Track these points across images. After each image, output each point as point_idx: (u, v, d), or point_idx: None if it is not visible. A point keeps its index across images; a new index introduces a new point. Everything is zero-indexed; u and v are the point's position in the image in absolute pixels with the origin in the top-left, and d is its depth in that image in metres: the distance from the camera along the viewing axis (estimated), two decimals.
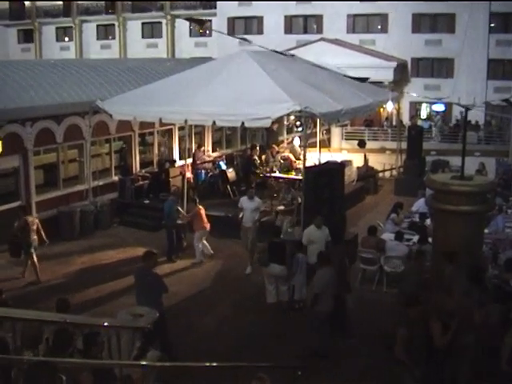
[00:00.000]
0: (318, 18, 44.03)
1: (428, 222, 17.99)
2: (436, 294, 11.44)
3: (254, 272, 16.85)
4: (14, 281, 16.39)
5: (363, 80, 17.83)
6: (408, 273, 13.65)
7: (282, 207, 18.73)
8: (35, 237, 16.65)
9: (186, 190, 20.55)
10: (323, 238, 15.00)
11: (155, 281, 11.98)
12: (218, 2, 46.38)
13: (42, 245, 17.08)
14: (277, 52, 15.56)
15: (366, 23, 43.33)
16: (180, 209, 19.06)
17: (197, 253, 18.07)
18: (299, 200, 18.00)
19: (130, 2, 51.81)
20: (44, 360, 7.00)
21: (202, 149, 25.47)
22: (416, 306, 9.66)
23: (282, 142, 28.09)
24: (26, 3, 56.22)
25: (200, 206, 18.22)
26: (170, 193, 20.92)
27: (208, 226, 18.17)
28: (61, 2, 54.61)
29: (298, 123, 24.87)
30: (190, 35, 50.16)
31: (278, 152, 25.39)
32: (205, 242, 18.24)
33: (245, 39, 15.23)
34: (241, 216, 17.71)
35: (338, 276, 12.62)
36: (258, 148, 24.10)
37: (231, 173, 23.78)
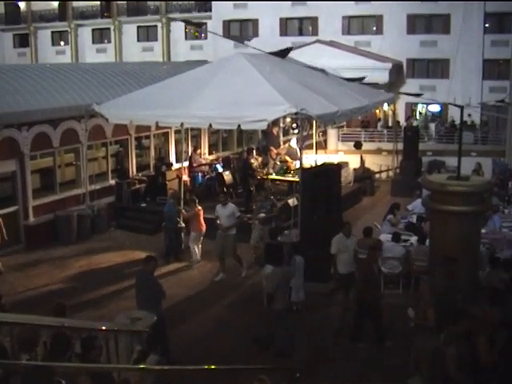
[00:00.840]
0: (313, 20, 44.12)
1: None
2: (477, 306, 11.03)
3: (251, 273, 16.85)
4: (12, 285, 16.37)
5: (360, 79, 17.82)
6: (440, 286, 12.30)
7: (262, 215, 18.09)
8: None
9: (182, 193, 20.53)
10: (352, 247, 14.68)
11: (154, 286, 11.99)
12: (213, 5, 46.42)
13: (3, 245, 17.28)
14: (274, 53, 15.50)
15: (361, 25, 43.44)
16: (182, 210, 19.10)
17: (193, 253, 18.10)
18: (278, 206, 17.77)
19: (125, 6, 51.83)
20: (42, 364, 7.01)
21: (198, 151, 25.48)
22: (462, 322, 9.49)
23: (281, 144, 28.08)
24: (22, 8, 56.21)
25: (199, 207, 18.24)
26: (168, 196, 20.90)
27: (204, 228, 18.17)
28: (56, 7, 54.61)
29: (294, 125, 24.91)
30: (186, 38, 50.24)
31: (277, 154, 25.40)
32: (199, 245, 18.25)
33: (242, 41, 15.21)
34: (218, 223, 17.49)
35: (365, 282, 12.68)
36: (254, 151, 24.08)
37: (228, 175, 23.79)
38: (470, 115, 35.90)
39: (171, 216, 18.44)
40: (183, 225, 18.77)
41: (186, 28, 49.15)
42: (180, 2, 50.13)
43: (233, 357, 12.05)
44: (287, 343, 12.56)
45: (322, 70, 21.03)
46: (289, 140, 27.76)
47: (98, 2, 53.27)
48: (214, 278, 16.94)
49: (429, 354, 9.62)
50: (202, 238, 18.29)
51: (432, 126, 38.26)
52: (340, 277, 14.59)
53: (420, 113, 42.57)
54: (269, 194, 20.18)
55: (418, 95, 17.68)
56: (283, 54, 15.89)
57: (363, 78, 17.94)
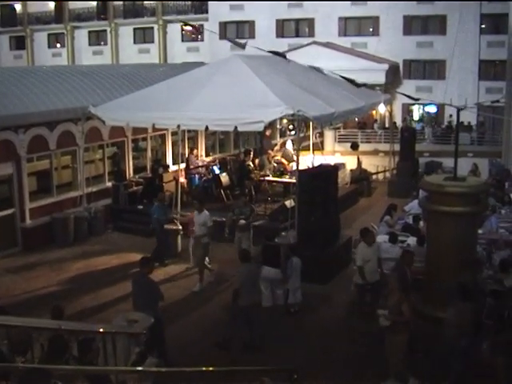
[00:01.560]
0: (310, 22, 44.21)
1: (421, 223, 18.05)
2: None
3: None
4: (9, 288, 16.35)
5: (363, 85, 17.72)
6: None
7: (242, 221, 17.50)
8: None
9: (179, 195, 20.53)
10: (376, 255, 14.23)
11: (151, 287, 11.99)
12: (209, 7, 46.46)
13: None
14: (273, 52, 15.47)
15: (358, 26, 43.55)
16: (177, 215, 19.08)
17: (191, 258, 18.07)
18: (256, 212, 17.48)
19: (121, 8, 51.84)
20: (39, 367, 7.00)
21: (195, 152, 25.48)
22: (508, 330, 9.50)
23: (275, 145, 28.13)
24: (18, 10, 56.20)
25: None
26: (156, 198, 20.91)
27: None
28: (52, 9, 54.62)
29: (290, 127, 24.96)
30: (182, 40, 50.31)
31: (273, 157, 25.44)
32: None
33: (238, 44, 15.16)
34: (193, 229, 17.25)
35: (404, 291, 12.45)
36: (251, 153, 24.06)
37: (225, 177, 23.77)
38: (451, 116, 36.12)
39: (157, 218, 18.43)
40: (180, 227, 18.72)
41: (182, 30, 49.20)
42: (176, 3, 50.16)
43: (230, 358, 12.03)
44: (254, 336, 12.84)
45: (319, 69, 20.99)
46: (285, 142, 27.78)
47: (95, 4, 53.29)
48: (193, 289, 16.45)
49: (400, 350, 9.87)
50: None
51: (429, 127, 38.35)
52: (362, 287, 14.04)
53: (422, 116, 42.65)
54: (247, 201, 20.02)
55: (415, 99, 17.65)
56: (277, 54, 15.92)
57: (364, 85, 17.82)
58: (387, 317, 10.80)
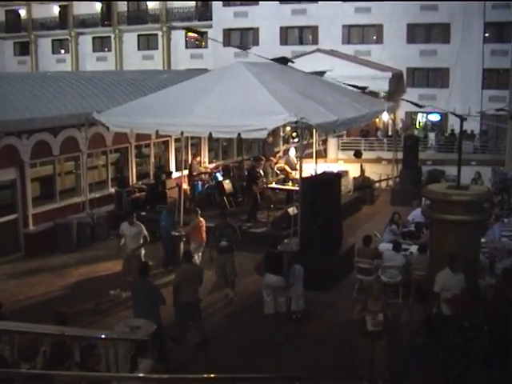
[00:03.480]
0: (314, 29, 44.28)
1: (425, 231, 18.06)
2: None
3: (249, 283, 16.83)
4: (12, 293, 16.35)
5: (363, 88, 17.77)
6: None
7: (224, 243, 16.42)
8: None
9: (182, 202, 20.53)
10: (460, 285, 12.41)
11: (153, 292, 12.00)
12: (213, 14, 46.54)
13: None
14: (278, 60, 15.48)
15: (362, 34, 43.59)
16: (181, 225, 19.09)
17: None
18: (238, 235, 16.74)
19: (125, 15, 51.98)
20: (41, 373, 7.00)
21: (198, 159, 25.49)
22: None
23: (277, 153, 28.14)
24: (22, 15, 56.37)
25: (201, 219, 18.07)
26: (165, 205, 20.88)
27: (205, 239, 18.07)
28: (57, 15, 54.78)
29: (294, 134, 24.91)
30: (186, 47, 50.42)
31: (276, 164, 25.43)
32: (200, 255, 18.20)
33: (245, 49, 15.13)
34: (122, 243, 16.69)
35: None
36: (262, 160, 23.82)
37: (228, 184, 23.76)
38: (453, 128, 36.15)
39: (166, 226, 18.44)
40: (183, 233, 18.71)
41: (186, 36, 49.31)
42: (181, 10, 50.27)
43: (233, 365, 12.02)
44: (201, 332, 13.29)
45: (322, 73, 20.98)
46: (288, 149, 27.79)
47: (99, 11, 53.43)
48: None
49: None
50: (202, 248, 18.19)
51: (432, 135, 38.33)
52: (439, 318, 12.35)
53: (419, 122, 42.70)
54: (269, 204, 19.95)
55: (419, 106, 17.69)
56: (283, 62, 15.95)
57: (365, 88, 17.87)
58: (379, 323, 10.84)
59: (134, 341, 9.37)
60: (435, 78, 42.08)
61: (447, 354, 10.47)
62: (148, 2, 51.53)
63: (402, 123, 39.92)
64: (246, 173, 24.09)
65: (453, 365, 10.46)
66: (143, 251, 16.56)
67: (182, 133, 19.36)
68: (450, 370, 10.50)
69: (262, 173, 22.96)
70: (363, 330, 10.95)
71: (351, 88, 23.17)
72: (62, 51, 55.95)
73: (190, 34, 45.94)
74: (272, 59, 16.67)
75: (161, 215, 18.99)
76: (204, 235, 17.96)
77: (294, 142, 26.84)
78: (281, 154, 27.77)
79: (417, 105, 17.43)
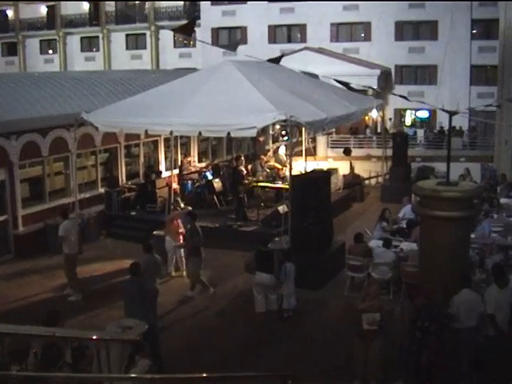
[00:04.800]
0: (302, 27, 44.28)
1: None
2: None
3: (241, 282, 16.84)
4: (1, 295, 16.30)
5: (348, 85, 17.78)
6: None
7: (181, 241, 17.04)
8: None
9: (172, 201, 20.51)
10: (509, 300, 11.63)
11: (144, 292, 11.99)
12: (201, 13, 46.47)
13: None
14: (269, 61, 15.47)
15: (350, 32, 43.64)
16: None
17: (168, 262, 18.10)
18: (201, 235, 16.71)
19: (113, 14, 51.83)
20: (33, 375, 6.98)
21: (188, 159, 25.49)
22: None
23: (268, 151, 28.16)
24: (10, 16, 56.13)
25: (175, 216, 17.99)
26: (155, 205, 20.79)
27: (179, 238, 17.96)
28: (44, 15, 54.58)
29: (283, 132, 24.96)
30: (175, 46, 50.28)
31: (266, 162, 25.47)
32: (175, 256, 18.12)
33: (232, 49, 15.15)
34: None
35: None
36: (242, 158, 24.05)
37: (218, 183, 23.79)
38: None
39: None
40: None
41: (174, 36, 49.21)
42: (169, 10, 50.19)
43: (225, 364, 12.03)
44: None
45: (314, 75, 20.99)
46: (278, 147, 27.82)
47: (87, 11, 53.26)
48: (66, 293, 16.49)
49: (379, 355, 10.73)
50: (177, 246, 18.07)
51: (420, 131, 38.44)
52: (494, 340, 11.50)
53: (413, 119, 42.84)
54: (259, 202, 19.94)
55: (408, 99, 17.71)
56: (276, 61, 15.97)
57: (348, 84, 17.83)
58: (375, 322, 10.88)
59: (125, 341, 9.36)
60: (423, 74, 42.20)
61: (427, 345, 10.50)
62: (136, 2, 51.42)
63: (391, 122, 40.06)
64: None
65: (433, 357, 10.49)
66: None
67: (171, 132, 19.33)
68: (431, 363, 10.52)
69: (245, 171, 23.02)
70: (359, 329, 10.99)
71: (340, 86, 23.19)
72: (50, 51, 55.74)
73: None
74: (269, 60, 16.62)
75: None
76: (177, 236, 17.88)
77: (283, 140, 26.89)
78: (270, 152, 27.80)
79: (406, 98, 17.46)
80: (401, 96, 17.45)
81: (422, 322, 10.38)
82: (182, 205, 18.78)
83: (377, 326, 10.89)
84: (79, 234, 16.94)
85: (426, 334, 10.36)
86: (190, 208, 20.12)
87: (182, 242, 17.69)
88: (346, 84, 16.12)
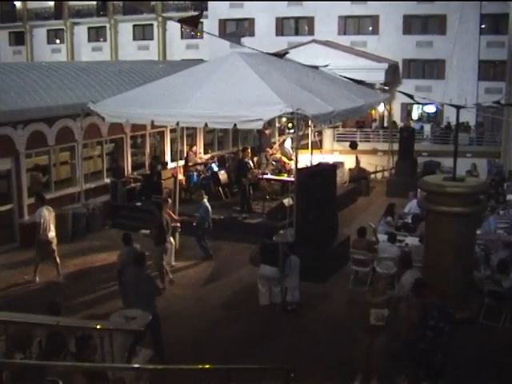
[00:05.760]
0: (310, 20, 44.13)
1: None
2: None
3: (245, 274, 16.85)
4: (7, 284, 16.34)
5: (360, 82, 17.68)
6: None
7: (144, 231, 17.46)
8: None
9: (178, 192, 20.51)
10: None
11: (148, 282, 12.00)
12: (209, 4, 46.37)
13: None
14: (274, 54, 15.42)
15: (358, 25, 43.48)
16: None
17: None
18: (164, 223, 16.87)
19: (121, 5, 51.75)
20: (37, 363, 6.99)
21: (194, 149, 25.48)
22: None
23: (274, 144, 28.12)
24: (18, 6, 56.12)
25: (168, 207, 17.94)
26: (160, 195, 20.83)
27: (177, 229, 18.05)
28: (52, 5, 54.55)
29: (289, 125, 24.89)
30: (182, 37, 50.23)
31: (272, 155, 25.44)
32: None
33: (237, 41, 15.16)
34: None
35: None
36: (249, 150, 24.02)
37: (223, 175, 23.77)
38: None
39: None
40: (178, 224, 18.66)
41: (181, 27, 49.13)
42: (176, 1, 50.10)
43: (228, 356, 12.04)
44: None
45: (317, 68, 20.93)
46: (284, 140, 27.79)
47: (94, 1, 53.18)
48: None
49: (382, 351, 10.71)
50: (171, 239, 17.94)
51: (427, 126, 38.37)
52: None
53: (421, 116, 42.73)
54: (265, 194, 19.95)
55: (412, 97, 17.60)
56: (279, 55, 15.89)
57: (362, 82, 17.75)
58: (383, 318, 10.85)
59: (129, 331, 9.38)
60: (431, 69, 42.04)
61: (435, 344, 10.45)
62: None
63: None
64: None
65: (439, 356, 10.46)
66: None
67: (177, 123, 19.31)
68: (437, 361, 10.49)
69: (252, 164, 23.00)
70: (365, 324, 10.96)
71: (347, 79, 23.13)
72: (58, 41, 55.73)
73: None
74: (272, 53, 16.54)
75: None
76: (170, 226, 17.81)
77: (289, 133, 26.85)
78: (277, 145, 27.76)
79: (411, 97, 17.36)
80: (406, 94, 17.32)
81: (435, 322, 10.29)
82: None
83: (383, 322, 10.86)
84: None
85: (439, 334, 10.29)
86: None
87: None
88: (351, 79, 16.04)
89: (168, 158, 25.49)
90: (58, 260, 16.92)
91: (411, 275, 12.57)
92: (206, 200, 18.52)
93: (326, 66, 19.18)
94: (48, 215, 16.70)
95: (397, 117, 39.29)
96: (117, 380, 7.86)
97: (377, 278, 13.44)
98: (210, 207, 18.43)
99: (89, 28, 54.06)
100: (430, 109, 41.89)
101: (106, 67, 26.14)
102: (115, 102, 20.66)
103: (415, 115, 42.77)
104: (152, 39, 51.35)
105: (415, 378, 10.73)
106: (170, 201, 18.28)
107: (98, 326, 9.06)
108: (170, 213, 17.88)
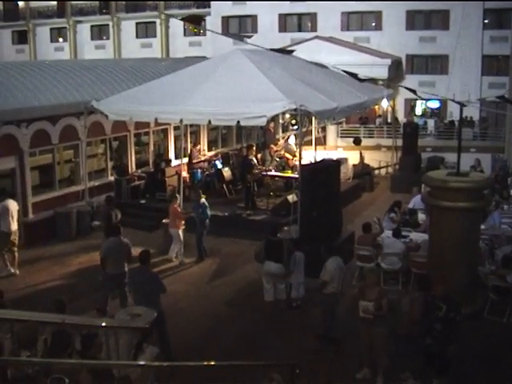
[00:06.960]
0: (313, 16, 44.15)
1: (419, 217, 18.18)
2: None
3: (250, 270, 16.86)
4: (12, 282, 16.36)
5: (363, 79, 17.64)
6: None
7: (96, 223, 18.21)
8: None
9: (182, 190, 20.52)
10: None
11: (153, 280, 12.02)
12: (212, 1, 46.37)
13: None
14: (277, 50, 15.44)
15: (361, 21, 43.49)
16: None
17: (169, 250, 18.17)
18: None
19: (124, 2, 51.78)
20: (43, 361, 7.01)
21: (198, 147, 25.49)
22: None
23: (278, 140, 28.10)
24: (20, 4, 56.16)
25: (175, 205, 18.01)
26: (164, 193, 20.85)
27: (179, 226, 18.05)
28: (55, 4, 54.58)
29: (293, 121, 24.88)
30: (185, 35, 50.26)
31: (276, 151, 25.42)
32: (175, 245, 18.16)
33: (241, 39, 15.16)
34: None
35: None
36: (254, 147, 23.99)
37: (227, 172, 23.77)
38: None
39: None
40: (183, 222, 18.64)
41: (184, 24, 49.14)
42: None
43: (233, 353, 12.06)
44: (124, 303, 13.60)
45: (323, 66, 20.94)
46: (288, 136, 27.78)
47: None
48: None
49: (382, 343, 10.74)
50: (180, 237, 18.08)
51: (431, 121, 38.32)
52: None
53: (424, 111, 42.65)
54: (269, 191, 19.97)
55: (415, 93, 17.56)
56: (286, 51, 15.88)
57: (365, 80, 17.71)
58: (368, 311, 10.83)
59: (134, 329, 9.40)
60: (434, 64, 42.03)
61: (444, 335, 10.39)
62: None
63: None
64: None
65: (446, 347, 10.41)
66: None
67: (181, 120, 19.33)
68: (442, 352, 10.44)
69: (256, 161, 22.99)
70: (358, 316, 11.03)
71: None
72: (61, 40, 55.80)
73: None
74: (274, 49, 16.55)
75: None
76: (178, 222, 17.94)
77: (293, 130, 26.83)
78: (281, 142, 27.75)
79: (414, 92, 17.32)
80: (409, 89, 17.27)
81: (445, 314, 10.21)
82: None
83: (371, 315, 10.82)
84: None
85: (449, 326, 10.20)
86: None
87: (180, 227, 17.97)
88: (353, 75, 16.00)
89: (172, 155, 25.48)
90: (16, 254, 17.23)
91: (335, 261, 12.99)
92: (204, 199, 18.45)
93: (334, 67, 19.18)
94: (11, 208, 17.08)
95: (400, 112, 39.23)
96: (122, 378, 7.87)
97: (367, 272, 13.38)
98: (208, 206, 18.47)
99: (92, 26, 54.12)
100: (434, 104, 41.84)
101: (109, 65, 26.13)
102: (118, 99, 20.68)
103: (419, 111, 42.73)
104: (155, 37, 51.39)
105: (425, 377, 10.67)
106: (178, 197, 18.37)
107: (104, 324, 9.09)
108: (178, 209, 17.93)
